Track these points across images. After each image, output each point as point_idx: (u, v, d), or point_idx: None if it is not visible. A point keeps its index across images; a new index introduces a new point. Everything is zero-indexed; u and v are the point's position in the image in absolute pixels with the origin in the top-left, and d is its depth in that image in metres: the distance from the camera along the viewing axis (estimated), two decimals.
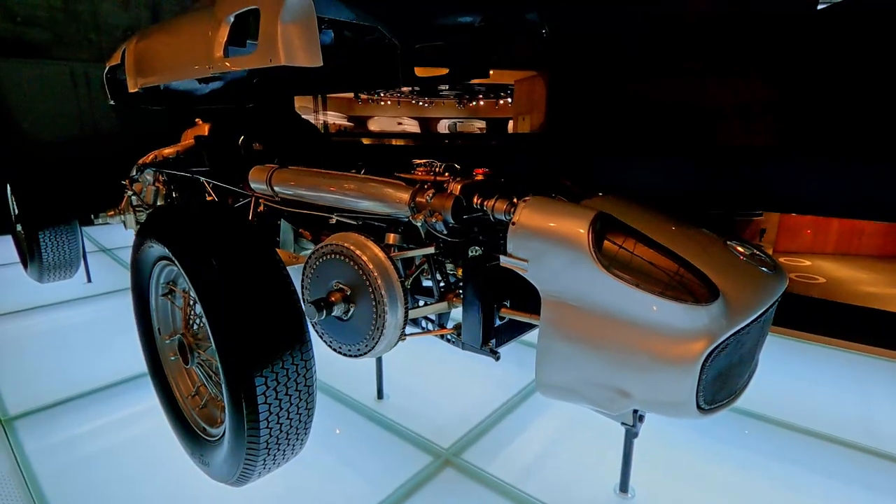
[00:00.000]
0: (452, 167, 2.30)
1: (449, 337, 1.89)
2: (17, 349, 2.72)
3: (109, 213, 3.54)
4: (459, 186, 1.80)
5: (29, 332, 2.94)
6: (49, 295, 3.47)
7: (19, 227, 3.54)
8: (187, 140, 4.19)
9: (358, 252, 1.72)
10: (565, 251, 1.34)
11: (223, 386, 1.31)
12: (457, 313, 1.83)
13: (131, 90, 3.36)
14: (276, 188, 2.38)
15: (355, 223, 2.18)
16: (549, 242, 1.37)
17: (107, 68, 3.73)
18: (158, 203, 3.76)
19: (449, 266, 2.01)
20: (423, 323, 1.97)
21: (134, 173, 3.97)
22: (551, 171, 2.82)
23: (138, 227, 3.64)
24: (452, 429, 2.09)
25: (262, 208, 2.59)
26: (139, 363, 2.47)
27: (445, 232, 1.79)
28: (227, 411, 1.33)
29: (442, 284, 1.92)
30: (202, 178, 2.92)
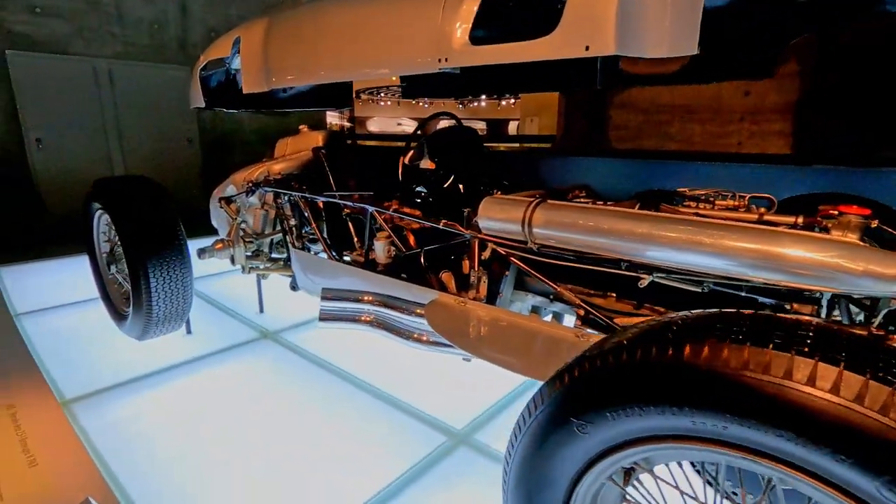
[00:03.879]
0: (772, 200, 1.66)
1: None
2: (153, 459, 1.94)
3: (217, 246, 2.79)
4: None
5: (151, 426, 2.12)
6: (138, 355, 2.70)
7: (113, 270, 2.76)
8: (291, 152, 3.47)
9: None
10: None
11: None
12: None
13: (254, 90, 2.63)
14: (543, 231, 1.70)
15: (699, 289, 1.51)
16: None
17: (204, 63, 2.99)
18: (267, 232, 3.03)
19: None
20: None
21: (227, 192, 3.24)
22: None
23: (251, 264, 2.90)
24: None
25: (486, 254, 1.90)
26: None
27: None
28: None
29: None
30: (371, 209, 2.21)
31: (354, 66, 2.01)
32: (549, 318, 2.10)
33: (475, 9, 1.63)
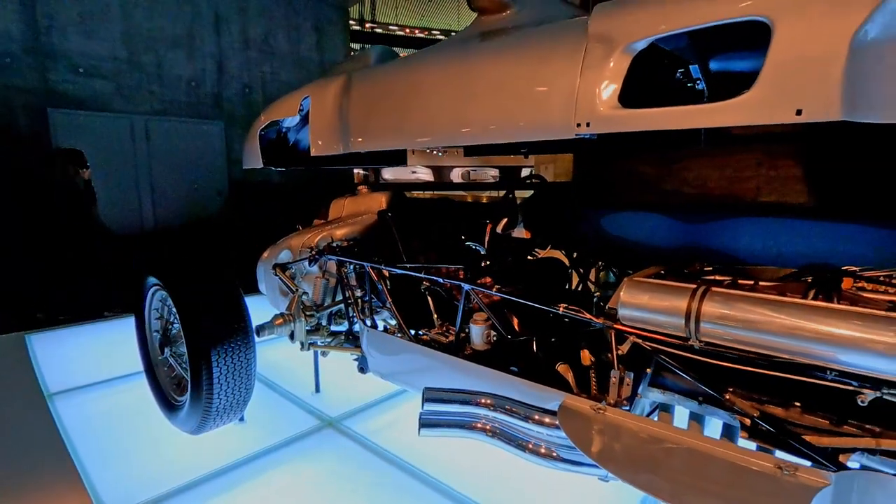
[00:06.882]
0: None
1: None
2: None
3: (277, 322, 2.50)
4: None
5: None
6: (187, 450, 2.36)
7: (166, 353, 2.46)
8: (348, 213, 3.24)
9: None
10: None
11: None
12: None
13: (327, 153, 2.43)
14: (715, 327, 1.39)
15: None
16: None
17: (266, 123, 2.82)
18: (327, 304, 2.75)
19: None
20: None
21: (281, 258, 2.99)
22: None
23: (310, 340, 2.60)
24: None
25: (624, 349, 1.58)
26: None
27: None
28: None
29: None
30: (467, 286, 1.92)
31: (461, 131, 1.77)
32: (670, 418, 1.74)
33: (626, 67, 1.39)
